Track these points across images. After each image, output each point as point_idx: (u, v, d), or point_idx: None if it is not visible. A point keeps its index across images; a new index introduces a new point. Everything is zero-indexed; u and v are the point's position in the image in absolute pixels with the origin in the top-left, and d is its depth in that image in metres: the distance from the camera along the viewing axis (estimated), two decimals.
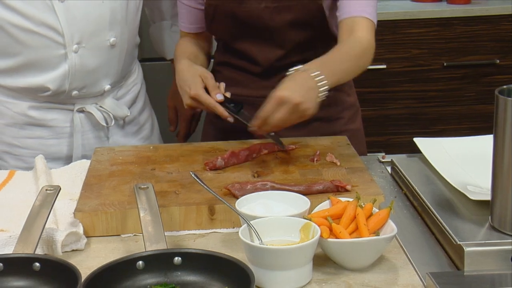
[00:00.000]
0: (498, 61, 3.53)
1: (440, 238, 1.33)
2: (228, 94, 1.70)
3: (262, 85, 1.87)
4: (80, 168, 1.68)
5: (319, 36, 1.84)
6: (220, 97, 1.67)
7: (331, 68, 1.62)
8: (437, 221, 1.34)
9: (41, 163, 1.66)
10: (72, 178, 1.64)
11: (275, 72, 1.85)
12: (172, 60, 2.19)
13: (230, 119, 1.67)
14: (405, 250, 1.29)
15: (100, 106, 1.89)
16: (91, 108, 1.88)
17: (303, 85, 1.54)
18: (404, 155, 1.75)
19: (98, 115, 1.88)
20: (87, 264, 1.26)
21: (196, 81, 1.69)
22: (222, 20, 1.84)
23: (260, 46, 1.85)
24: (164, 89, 2.24)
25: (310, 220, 1.23)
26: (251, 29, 1.83)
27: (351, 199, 1.31)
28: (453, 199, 1.44)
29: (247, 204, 1.32)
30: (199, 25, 1.94)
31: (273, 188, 1.42)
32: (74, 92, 1.82)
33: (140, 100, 2.04)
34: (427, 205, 1.42)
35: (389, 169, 1.70)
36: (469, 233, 1.28)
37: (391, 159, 1.70)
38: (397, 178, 1.63)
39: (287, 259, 1.15)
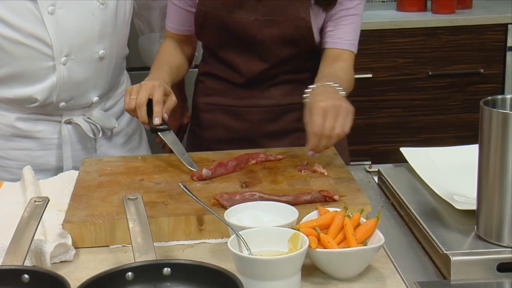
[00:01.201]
0: (482, 70, 3.57)
1: (426, 247, 1.34)
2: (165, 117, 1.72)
3: (244, 95, 1.91)
4: (68, 179, 1.68)
5: (304, 53, 1.87)
6: (157, 121, 1.69)
7: (340, 82, 1.70)
8: (424, 230, 1.36)
9: (29, 174, 1.66)
10: (60, 189, 1.64)
11: (258, 83, 1.90)
12: None
13: (146, 126, 1.72)
14: (392, 260, 1.30)
15: (88, 118, 1.89)
16: (79, 119, 1.88)
17: (330, 92, 1.63)
18: (390, 165, 1.77)
19: (85, 127, 1.88)
20: (76, 276, 1.26)
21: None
22: (211, 27, 1.86)
23: (245, 57, 1.87)
24: None
25: (298, 230, 1.24)
26: (238, 39, 1.84)
27: (339, 209, 1.32)
28: (439, 209, 1.46)
29: (236, 215, 1.32)
30: (186, 27, 1.95)
31: (261, 199, 1.43)
32: (62, 104, 1.83)
33: None
34: (413, 215, 1.43)
35: (375, 178, 1.71)
36: (456, 243, 1.29)
37: (378, 169, 1.72)
38: (384, 188, 1.65)
39: (276, 270, 1.16)
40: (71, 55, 1.78)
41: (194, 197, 1.36)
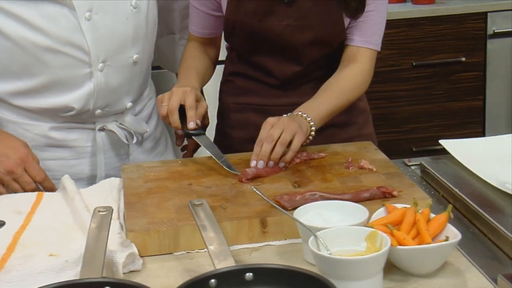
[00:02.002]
0: (464, 58, 3.61)
1: (494, 239, 1.35)
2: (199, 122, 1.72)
3: (277, 94, 1.90)
4: (109, 187, 1.65)
5: (337, 52, 1.86)
6: (192, 125, 1.69)
7: (319, 112, 1.72)
8: (490, 222, 1.36)
9: (70, 183, 1.63)
10: (103, 197, 1.61)
11: (292, 84, 1.89)
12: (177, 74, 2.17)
13: (180, 132, 1.72)
14: (464, 254, 1.30)
15: (121, 124, 1.87)
16: (113, 126, 1.85)
17: (291, 116, 1.66)
18: (429, 158, 1.77)
19: (119, 133, 1.85)
20: (150, 285, 1.23)
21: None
22: (241, 34, 1.84)
23: (278, 61, 1.85)
24: None
25: (374, 229, 1.23)
26: (270, 45, 1.83)
27: (406, 206, 1.32)
28: (495, 199, 1.47)
29: (304, 216, 1.31)
30: (210, 30, 1.93)
31: (322, 198, 1.42)
32: (98, 111, 1.80)
33: (155, 115, 2.02)
34: (474, 207, 1.43)
35: (417, 172, 1.72)
36: None
37: (420, 162, 1.72)
38: (430, 181, 1.65)
39: (363, 269, 1.15)
40: (107, 61, 1.75)
41: (271, 202, 1.34)
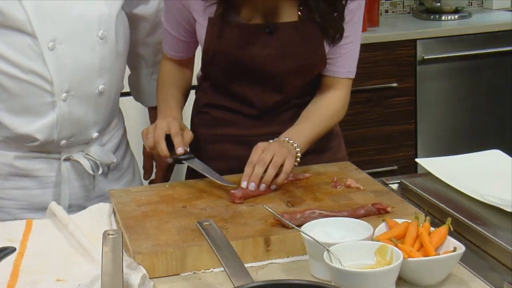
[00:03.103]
0: (396, 84, 3.73)
1: (489, 250, 1.41)
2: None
3: (256, 125, 1.90)
4: (99, 212, 1.65)
5: (314, 80, 1.90)
6: (181, 150, 1.72)
7: (304, 138, 1.78)
8: (483, 235, 1.43)
9: (60, 209, 1.62)
10: (95, 222, 1.61)
11: (270, 113, 1.90)
12: (150, 108, 2.18)
13: (169, 160, 1.75)
14: (463, 265, 1.36)
15: (87, 154, 1.86)
16: (78, 156, 1.84)
17: (279, 142, 1.71)
18: (405, 176, 1.84)
19: (85, 164, 1.84)
20: None
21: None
22: (221, 64, 1.83)
23: (259, 90, 1.85)
24: (140, 125, 2.20)
25: (384, 243, 1.28)
26: (251, 74, 1.83)
27: (406, 220, 1.37)
28: (479, 211, 1.54)
29: (310, 233, 1.34)
30: (183, 54, 1.94)
31: (321, 216, 1.46)
32: (63, 142, 1.79)
33: (123, 145, 2.01)
34: (464, 221, 1.50)
35: (396, 189, 1.78)
36: None
37: (400, 181, 1.78)
38: (412, 197, 1.71)
39: (380, 281, 1.19)
40: (71, 91, 1.74)
41: (285, 221, 1.39)
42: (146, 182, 2.10)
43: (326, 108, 1.87)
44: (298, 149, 1.73)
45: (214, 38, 1.80)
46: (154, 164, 2.08)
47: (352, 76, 1.91)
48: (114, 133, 1.96)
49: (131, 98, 2.20)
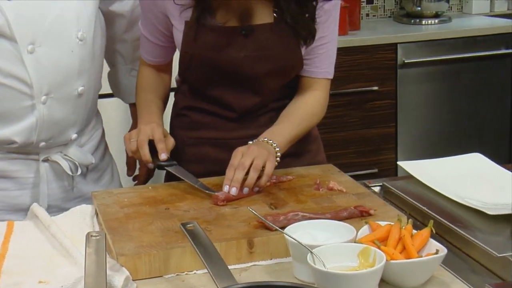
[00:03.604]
0: (376, 87, 3.76)
1: (471, 253, 1.42)
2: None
3: (235, 127, 1.91)
4: (81, 214, 1.65)
5: (292, 82, 1.91)
6: (164, 156, 1.74)
7: (284, 138, 1.79)
8: (465, 237, 1.44)
9: (42, 211, 1.62)
10: (77, 224, 1.60)
11: (249, 116, 1.90)
12: (130, 104, 2.18)
13: (150, 165, 1.76)
14: (445, 267, 1.37)
15: (65, 155, 1.85)
16: (57, 157, 1.83)
17: (257, 143, 1.72)
18: (387, 179, 1.85)
19: (64, 164, 1.83)
20: None
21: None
22: (198, 67, 1.84)
23: (237, 93, 1.86)
24: (119, 126, 2.21)
25: (367, 245, 1.28)
26: (228, 77, 1.83)
27: (389, 223, 1.38)
28: (460, 214, 1.55)
29: (293, 235, 1.35)
30: (161, 59, 1.95)
31: (304, 218, 1.46)
32: (42, 143, 1.78)
33: (101, 146, 2.01)
34: (446, 224, 1.51)
35: (378, 192, 1.79)
36: (502, 245, 1.38)
37: (383, 183, 1.79)
38: (394, 200, 1.72)
39: (363, 283, 1.20)
40: (51, 94, 1.73)
41: (268, 223, 1.39)
42: (125, 184, 2.10)
43: (305, 109, 1.87)
44: (278, 149, 1.73)
45: (191, 42, 1.80)
46: (138, 161, 2.08)
47: (330, 76, 1.91)
48: (92, 134, 1.96)
49: (110, 99, 2.20)
